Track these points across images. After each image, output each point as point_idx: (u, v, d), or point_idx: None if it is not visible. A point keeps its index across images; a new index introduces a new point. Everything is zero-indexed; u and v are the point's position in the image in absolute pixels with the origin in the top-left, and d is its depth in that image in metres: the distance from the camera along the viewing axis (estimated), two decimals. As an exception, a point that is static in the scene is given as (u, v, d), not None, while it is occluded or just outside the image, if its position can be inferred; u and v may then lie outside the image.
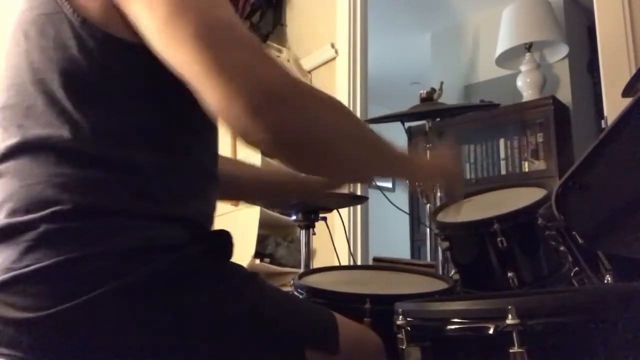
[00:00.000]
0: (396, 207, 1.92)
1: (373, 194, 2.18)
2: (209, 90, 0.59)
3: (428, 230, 1.78)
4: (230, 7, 0.65)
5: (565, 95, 3.24)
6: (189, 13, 0.60)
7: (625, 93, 0.97)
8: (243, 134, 0.62)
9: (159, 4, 0.60)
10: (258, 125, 0.60)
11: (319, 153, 0.68)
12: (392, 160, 0.81)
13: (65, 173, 0.64)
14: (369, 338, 0.83)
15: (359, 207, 2.45)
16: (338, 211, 1.79)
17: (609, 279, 0.79)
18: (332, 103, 0.72)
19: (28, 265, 0.60)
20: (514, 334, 0.57)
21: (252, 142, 0.63)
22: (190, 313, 0.65)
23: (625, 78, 1.00)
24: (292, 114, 0.63)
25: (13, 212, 0.64)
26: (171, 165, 0.71)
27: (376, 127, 2.39)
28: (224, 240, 0.76)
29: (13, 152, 0.67)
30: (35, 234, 0.61)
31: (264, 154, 0.66)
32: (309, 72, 2.82)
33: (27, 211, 0.63)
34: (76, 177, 0.64)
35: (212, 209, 0.79)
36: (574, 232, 0.84)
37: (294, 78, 0.66)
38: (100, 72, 0.67)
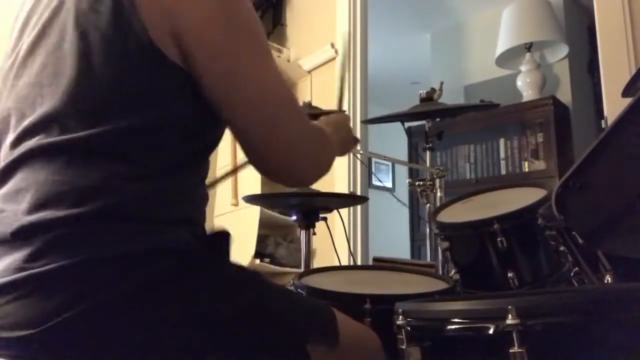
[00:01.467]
0: (398, 200, 1.92)
1: (373, 194, 2.18)
2: (252, 144, 0.76)
3: (428, 230, 1.78)
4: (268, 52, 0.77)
5: (565, 95, 3.24)
6: (248, 70, 0.73)
7: (625, 93, 0.97)
8: (269, 177, 0.81)
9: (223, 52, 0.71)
10: (285, 179, 0.83)
11: (307, 177, 0.88)
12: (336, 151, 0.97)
13: (88, 176, 0.65)
14: (368, 336, 0.84)
15: (359, 207, 2.45)
16: (338, 211, 1.79)
17: (609, 279, 0.79)
18: (322, 138, 0.88)
19: (43, 265, 0.60)
20: (514, 334, 0.57)
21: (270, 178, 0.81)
22: (194, 311, 0.66)
23: (625, 78, 0.99)
24: (304, 160, 0.82)
25: (33, 207, 0.64)
26: (185, 172, 0.72)
27: (376, 127, 2.38)
28: (224, 239, 0.76)
29: (40, 151, 0.67)
30: (51, 236, 0.62)
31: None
32: (309, 72, 2.82)
33: (45, 210, 0.63)
34: (96, 181, 0.65)
35: (205, 210, 0.81)
36: (574, 232, 0.84)
37: (306, 130, 0.82)
38: (140, 81, 0.68)
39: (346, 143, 1.08)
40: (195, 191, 0.76)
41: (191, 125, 0.72)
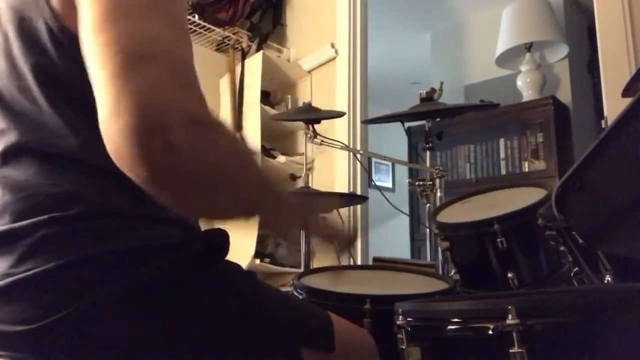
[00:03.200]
0: (395, 207, 1.92)
1: (373, 194, 2.18)
2: (101, 99, 0.52)
3: (428, 230, 1.78)
4: (174, 18, 0.58)
5: (565, 95, 3.24)
6: (120, 21, 0.54)
7: (625, 93, 0.97)
8: (116, 156, 0.52)
9: (96, 3, 0.55)
10: (135, 153, 0.50)
11: (200, 198, 0.58)
12: (273, 209, 0.70)
13: (62, 182, 0.64)
14: (362, 337, 0.84)
15: (359, 207, 2.45)
16: (338, 211, 1.79)
17: (609, 279, 0.79)
18: (235, 149, 0.60)
19: (28, 270, 0.60)
20: (514, 334, 0.57)
21: (126, 169, 0.53)
22: (188, 311, 0.65)
23: (625, 78, 1.00)
24: (180, 158, 0.52)
25: (12, 221, 0.63)
26: None
27: (376, 127, 2.39)
28: (222, 238, 0.76)
29: (6, 159, 0.66)
30: (34, 239, 0.61)
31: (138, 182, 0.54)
32: (309, 72, 2.82)
33: (26, 218, 0.62)
34: (72, 184, 0.64)
35: None
36: (574, 232, 0.84)
37: (204, 115, 0.56)
38: (79, 74, 0.66)
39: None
40: None
41: None
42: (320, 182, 2.60)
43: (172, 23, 0.58)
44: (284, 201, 0.69)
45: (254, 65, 2.66)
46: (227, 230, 0.76)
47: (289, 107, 2.78)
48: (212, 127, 0.56)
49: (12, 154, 0.66)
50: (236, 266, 0.76)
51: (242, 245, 2.40)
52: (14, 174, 0.65)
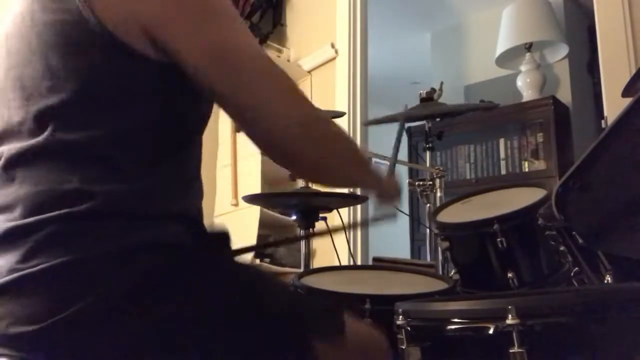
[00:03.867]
0: (396, 207, 1.91)
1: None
2: (233, 110, 0.71)
3: (428, 230, 1.78)
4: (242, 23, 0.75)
5: (565, 95, 3.24)
6: (212, 27, 0.68)
7: (625, 93, 0.97)
8: (280, 157, 0.77)
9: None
10: (287, 158, 0.77)
11: (324, 172, 0.81)
12: (371, 177, 0.92)
13: (71, 179, 0.64)
14: (374, 337, 0.83)
15: (359, 207, 2.45)
16: (338, 211, 1.79)
17: (609, 279, 0.79)
18: (341, 133, 0.83)
19: (36, 265, 0.60)
20: (514, 334, 0.57)
21: (279, 160, 0.77)
22: (196, 309, 0.66)
23: (625, 78, 1.00)
24: (313, 146, 0.75)
25: (21, 216, 0.64)
26: (172, 165, 0.72)
27: (376, 127, 2.38)
28: (224, 237, 0.76)
29: (24, 157, 0.67)
30: (43, 235, 0.62)
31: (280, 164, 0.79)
32: (309, 72, 2.82)
33: (35, 214, 0.63)
34: (81, 182, 0.65)
35: (201, 207, 0.80)
36: (574, 232, 0.84)
37: (316, 114, 0.78)
38: (113, 79, 0.67)
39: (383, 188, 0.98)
40: (185, 184, 0.75)
41: (166, 117, 0.70)
42: (320, 182, 2.60)
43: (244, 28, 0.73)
44: (374, 172, 0.92)
45: (254, 65, 2.66)
46: (228, 231, 0.77)
47: (289, 107, 2.77)
48: (324, 120, 0.79)
49: (32, 153, 0.66)
50: (242, 262, 0.77)
51: (242, 245, 2.40)
52: (28, 170, 0.66)
